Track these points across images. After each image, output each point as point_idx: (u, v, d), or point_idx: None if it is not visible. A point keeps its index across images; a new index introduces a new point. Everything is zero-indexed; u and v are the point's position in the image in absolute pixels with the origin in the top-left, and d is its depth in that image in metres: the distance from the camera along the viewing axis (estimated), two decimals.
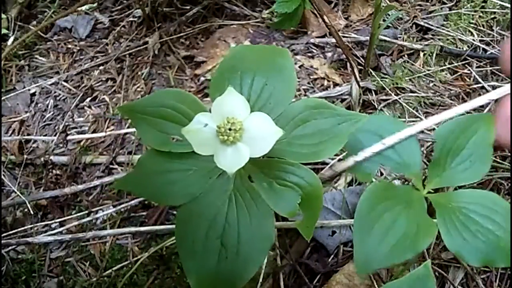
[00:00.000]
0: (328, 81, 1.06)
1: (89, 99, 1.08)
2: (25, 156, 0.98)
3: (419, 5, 1.19)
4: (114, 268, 0.84)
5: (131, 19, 1.21)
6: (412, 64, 1.07)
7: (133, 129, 0.99)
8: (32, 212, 0.89)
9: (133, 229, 0.85)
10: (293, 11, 1.10)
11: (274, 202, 0.52)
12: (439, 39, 1.10)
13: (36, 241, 0.85)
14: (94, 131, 1.03)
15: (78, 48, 1.18)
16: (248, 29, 1.16)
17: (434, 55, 1.08)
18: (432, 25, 1.13)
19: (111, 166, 0.97)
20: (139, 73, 1.11)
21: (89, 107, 1.07)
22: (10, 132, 1.04)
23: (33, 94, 1.10)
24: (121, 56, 1.14)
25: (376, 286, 0.75)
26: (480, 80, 1.02)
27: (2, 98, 1.09)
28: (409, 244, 0.53)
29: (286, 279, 0.80)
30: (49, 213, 0.92)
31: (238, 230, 0.52)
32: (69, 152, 0.99)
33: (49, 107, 1.08)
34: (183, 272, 0.81)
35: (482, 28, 1.12)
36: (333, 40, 1.09)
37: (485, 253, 0.53)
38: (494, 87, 0.99)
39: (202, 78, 1.08)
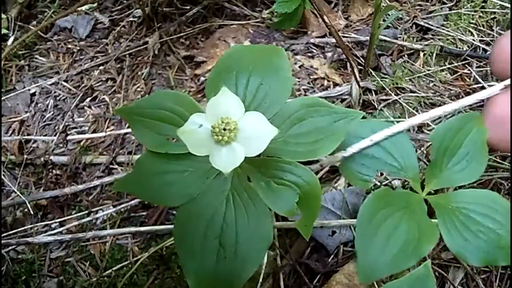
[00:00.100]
0: (328, 81, 1.06)
1: (89, 99, 1.09)
2: (25, 156, 0.98)
3: (419, 5, 1.19)
4: (114, 268, 0.84)
5: (131, 19, 1.21)
6: (412, 64, 1.07)
7: None
8: (32, 212, 0.89)
9: (133, 229, 0.85)
10: (293, 11, 1.10)
11: (272, 201, 0.52)
12: (439, 39, 1.10)
13: (36, 241, 0.85)
14: (94, 131, 1.03)
15: (78, 48, 1.18)
16: (248, 29, 1.16)
17: (434, 55, 1.08)
18: (432, 25, 1.13)
19: (111, 166, 0.97)
20: (139, 73, 1.11)
21: (89, 107, 1.07)
22: (10, 132, 1.04)
23: (33, 94, 1.10)
24: (121, 56, 1.14)
25: (376, 286, 0.75)
26: (480, 80, 1.02)
27: (2, 98, 1.09)
28: (412, 250, 0.52)
29: (286, 279, 0.80)
30: (49, 213, 0.92)
31: (236, 230, 0.52)
32: (69, 152, 0.99)
33: (49, 107, 1.08)
34: (183, 272, 0.81)
35: (482, 28, 1.12)
36: (333, 40, 1.09)
37: (487, 252, 0.53)
38: None
39: (202, 78, 1.08)
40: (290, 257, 0.80)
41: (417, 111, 0.99)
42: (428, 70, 1.06)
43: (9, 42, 1.17)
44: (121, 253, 0.86)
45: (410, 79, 1.04)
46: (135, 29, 1.19)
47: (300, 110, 0.56)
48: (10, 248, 0.87)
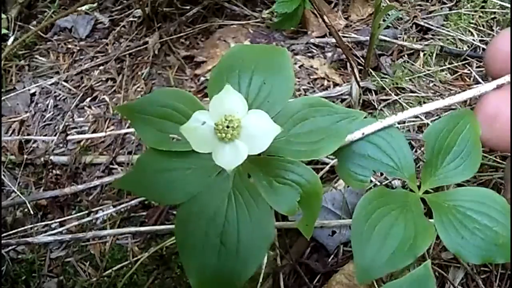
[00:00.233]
0: (328, 81, 1.06)
1: (89, 99, 1.08)
2: (25, 156, 0.98)
3: (419, 5, 1.19)
4: (114, 268, 0.84)
5: (131, 19, 1.21)
6: (412, 64, 1.07)
7: (133, 129, 0.99)
8: (32, 212, 0.89)
9: (133, 229, 0.86)
10: (293, 11, 1.10)
11: (273, 200, 0.52)
12: (439, 39, 1.10)
13: (36, 241, 0.85)
14: (94, 131, 1.03)
15: (78, 48, 1.18)
16: (248, 29, 1.16)
17: (434, 55, 1.08)
18: (432, 25, 1.13)
19: (111, 166, 0.97)
20: (139, 73, 1.11)
21: (89, 107, 1.07)
22: (10, 132, 1.04)
23: (33, 94, 1.10)
24: (121, 56, 1.14)
25: (376, 286, 0.75)
26: (480, 80, 1.02)
27: (2, 98, 1.09)
28: (408, 248, 0.53)
29: (286, 279, 0.80)
30: (49, 213, 0.92)
31: (238, 228, 0.52)
32: (69, 152, 0.99)
33: (49, 107, 1.08)
34: (183, 272, 0.81)
35: (482, 28, 1.12)
36: (333, 40, 1.09)
37: (485, 250, 0.53)
38: None
39: (202, 78, 1.08)
40: (290, 257, 0.80)
41: None
42: (428, 70, 1.06)
43: (9, 42, 1.17)
44: (121, 253, 0.86)
45: (410, 79, 1.04)
46: (135, 29, 1.19)
47: (302, 110, 0.56)
48: (10, 248, 0.87)
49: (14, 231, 0.88)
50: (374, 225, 0.54)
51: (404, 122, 0.97)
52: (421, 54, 1.09)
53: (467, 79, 1.04)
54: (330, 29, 0.92)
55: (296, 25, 1.14)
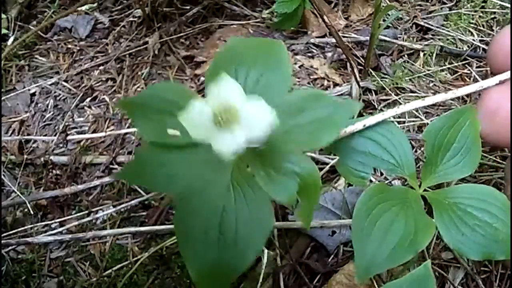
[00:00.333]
0: (328, 81, 1.06)
1: (89, 99, 1.09)
2: (25, 156, 0.98)
3: (419, 5, 1.19)
4: (114, 268, 0.84)
5: (131, 19, 1.21)
6: (412, 64, 1.07)
7: (133, 129, 0.99)
8: (32, 212, 0.89)
9: (133, 229, 0.85)
10: (293, 11, 1.10)
11: (272, 189, 0.52)
12: (439, 39, 1.10)
13: (36, 241, 0.85)
14: (94, 131, 1.03)
15: (78, 48, 1.18)
16: (248, 29, 1.16)
17: (434, 55, 1.08)
18: (432, 25, 1.13)
19: (111, 166, 0.97)
20: (139, 73, 1.11)
21: (89, 107, 1.07)
22: (10, 132, 1.04)
23: (33, 94, 1.10)
24: (121, 56, 1.14)
25: (376, 286, 0.75)
26: (480, 80, 1.02)
27: (2, 98, 1.09)
28: (408, 245, 0.53)
29: (286, 279, 0.80)
30: (49, 213, 0.92)
31: (236, 219, 0.52)
32: (69, 152, 0.99)
33: (49, 107, 1.08)
34: (183, 272, 0.81)
35: (482, 28, 1.12)
36: (333, 40, 1.09)
37: (485, 246, 0.54)
38: None
39: (202, 78, 1.08)
40: (290, 257, 0.80)
41: (417, 111, 0.99)
42: (428, 70, 1.06)
43: (9, 42, 1.17)
44: (121, 253, 0.86)
45: (410, 79, 1.04)
46: (135, 29, 1.19)
47: (300, 102, 0.56)
48: (10, 248, 0.87)
49: (14, 231, 0.88)
50: (375, 221, 0.54)
51: (404, 122, 0.97)
52: (421, 54, 1.09)
53: (467, 79, 1.04)
54: (330, 29, 0.92)
55: (296, 25, 1.14)
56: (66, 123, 1.04)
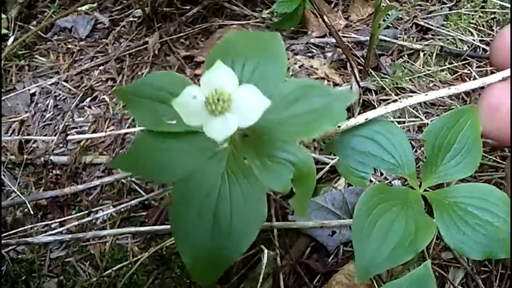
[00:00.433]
0: (328, 81, 1.06)
1: (89, 99, 1.08)
2: (25, 156, 0.98)
3: (419, 5, 1.19)
4: (114, 268, 0.84)
5: (131, 19, 1.21)
6: (412, 64, 1.07)
7: (133, 129, 0.99)
8: (32, 212, 0.89)
9: (133, 229, 0.85)
10: (293, 11, 1.10)
11: (266, 178, 0.53)
12: (439, 39, 1.10)
13: (36, 241, 0.85)
14: (94, 131, 1.03)
15: (78, 48, 1.18)
16: (248, 29, 1.16)
17: (434, 55, 1.08)
18: (432, 25, 1.13)
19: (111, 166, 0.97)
20: (139, 73, 1.11)
21: (89, 107, 1.07)
22: (10, 132, 1.04)
23: (33, 94, 1.10)
24: (121, 56, 1.14)
25: (376, 286, 0.75)
26: None
27: (2, 98, 1.09)
28: (409, 245, 0.53)
29: (286, 279, 0.80)
30: (49, 213, 0.92)
31: (231, 207, 0.53)
32: (69, 152, 0.99)
33: (49, 107, 1.08)
34: (183, 272, 0.81)
35: (482, 28, 1.12)
36: (333, 40, 1.09)
37: (486, 245, 0.54)
38: None
39: None
40: (290, 257, 0.80)
41: (417, 111, 0.99)
42: (428, 70, 1.06)
43: (9, 42, 1.17)
44: (121, 253, 0.86)
45: (410, 79, 1.04)
46: (135, 29, 1.19)
47: (295, 92, 0.57)
48: (10, 248, 0.87)
49: (14, 231, 0.88)
50: (375, 221, 0.54)
51: (404, 122, 0.97)
52: (421, 54, 1.09)
53: (467, 79, 1.04)
54: (330, 29, 0.92)
55: (296, 25, 1.14)
56: (66, 123, 1.04)
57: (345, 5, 1.21)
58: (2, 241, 0.85)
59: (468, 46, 1.08)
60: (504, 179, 0.63)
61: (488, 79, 0.59)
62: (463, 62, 1.06)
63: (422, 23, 1.14)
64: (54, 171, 0.97)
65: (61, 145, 1.01)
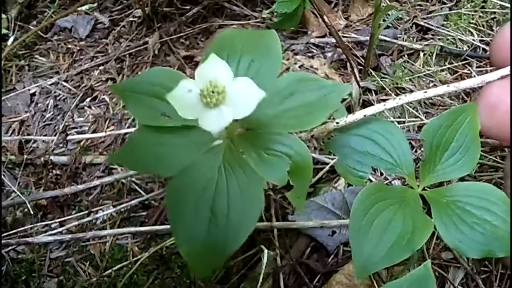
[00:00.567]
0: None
1: (89, 99, 1.08)
2: (25, 156, 0.98)
3: (419, 5, 1.19)
4: (114, 268, 0.84)
5: (131, 19, 1.21)
6: (412, 64, 1.07)
7: (133, 129, 0.99)
8: (32, 212, 0.89)
9: (133, 229, 0.85)
10: (293, 11, 1.10)
11: (263, 170, 0.53)
12: (439, 39, 1.10)
13: (36, 241, 0.85)
14: (94, 131, 1.03)
15: (78, 48, 1.18)
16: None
17: (434, 55, 1.08)
18: (432, 25, 1.13)
19: (111, 166, 0.96)
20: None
21: (89, 107, 1.07)
22: (10, 132, 1.04)
23: (33, 94, 1.10)
24: (121, 56, 1.14)
25: (376, 286, 0.75)
26: None
27: (2, 98, 1.09)
28: (406, 243, 0.53)
29: (286, 279, 0.80)
30: (49, 213, 0.92)
31: (228, 199, 0.53)
32: (69, 152, 0.99)
33: (49, 107, 1.08)
34: (183, 272, 0.81)
35: (482, 28, 1.12)
36: (333, 40, 1.09)
37: (484, 244, 0.53)
38: None
39: None
40: (290, 257, 0.80)
41: (417, 111, 0.99)
42: (428, 70, 1.06)
43: (9, 42, 1.17)
44: (121, 253, 0.86)
45: (410, 79, 1.04)
46: (135, 29, 1.19)
47: (290, 85, 0.58)
48: (10, 248, 0.87)
49: (14, 231, 0.88)
50: (372, 219, 0.54)
51: (404, 122, 0.97)
52: (421, 54, 1.09)
53: (467, 79, 1.04)
54: (330, 29, 0.92)
55: (296, 25, 1.14)
56: (66, 123, 1.04)
57: (345, 5, 1.21)
58: (2, 241, 0.85)
59: (468, 46, 1.08)
60: (504, 174, 0.63)
61: (487, 77, 0.59)
62: (463, 62, 1.06)
63: (422, 23, 1.14)
64: (54, 171, 0.97)
65: (61, 145, 1.01)
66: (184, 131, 0.55)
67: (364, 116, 0.61)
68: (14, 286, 0.84)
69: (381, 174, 0.88)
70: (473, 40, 1.09)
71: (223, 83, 0.51)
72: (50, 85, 1.11)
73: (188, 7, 1.21)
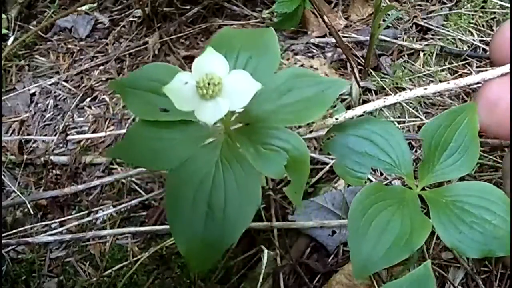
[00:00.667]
0: None
1: (89, 99, 1.09)
2: (25, 156, 0.98)
3: (419, 5, 1.19)
4: (114, 268, 0.84)
5: (131, 19, 1.21)
6: (412, 64, 1.07)
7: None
8: (32, 212, 0.89)
9: (133, 229, 0.86)
10: (293, 11, 1.10)
11: (260, 165, 0.53)
12: (439, 39, 1.10)
13: (36, 241, 0.85)
14: (94, 131, 1.03)
15: (78, 48, 1.18)
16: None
17: (434, 55, 1.08)
18: (432, 25, 1.13)
19: (111, 166, 0.97)
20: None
21: (89, 107, 1.07)
22: (10, 132, 1.04)
23: (33, 94, 1.10)
24: (121, 56, 1.14)
25: (376, 286, 0.75)
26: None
27: (2, 98, 1.09)
28: (404, 244, 0.53)
29: (286, 279, 0.80)
30: (49, 213, 0.92)
31: (225, 193, 0.53)
32: (69, 152, 0.99)
33: (49, 107, 1.08)
34: (183, 272, 0.81)
35: (482, 28, 1.12)
36: (333, 40, 1.09)
37: (484, 244, 0.53)
38: None
39: None
40: (290, 257, 0.80)
41: (417, 111, 0.99)
42: (428, 70, 1.06)
43: (9, 42, 1.17)
44: (121, 253, 0.86)
45: (410, 79, 1.04)
46: (135, 29, 1.19)
47: (288, 81, 0.58)
48: (10, 248, 0.87)
49: (14, 231, 0.88)
50: (371, 220, 0.54)
51: (404, 122, 0.97)
52: (421, 54, 1.09)
53: (468, 77, 1.04)
54: (330, 29, 0.92)
55: (296, 25, 1.14)
56: (66, 123, 1.04)
57: (345, 5, 1.21)
58: (2, 241, 0.85)
59: (468, 46, 1.08)
60: (502, 173, 0.63)
61: (487, 75, 0.59)
62: (463, 62, 1.06)
63: (422, 23, 1.14)
64: (54, 171, 0.97)
65: (61, 145, 1.01)
66: (182, 126, 0.55)
67: (364, 112, 0.61)
68: (14, 286, 0.84)
69: (381, 174, 0.88)
70: (473, 40, 1.09)
71: (219, 75, 0.51)
72: (50, 85, 1.11)
73: (188, 7, 1.21)
